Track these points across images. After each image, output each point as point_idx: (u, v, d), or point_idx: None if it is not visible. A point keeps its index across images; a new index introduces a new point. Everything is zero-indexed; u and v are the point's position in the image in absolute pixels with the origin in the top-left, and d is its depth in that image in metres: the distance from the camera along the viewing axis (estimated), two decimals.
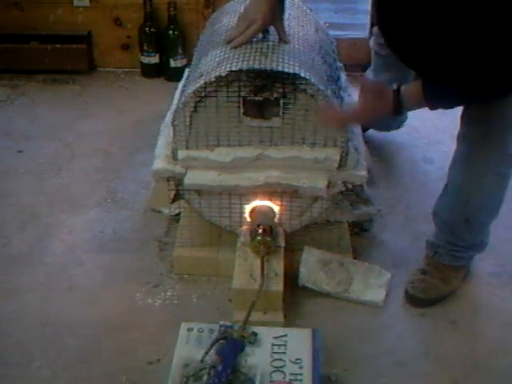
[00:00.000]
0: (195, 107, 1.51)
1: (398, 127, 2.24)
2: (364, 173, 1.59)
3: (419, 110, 1.59)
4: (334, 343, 1.50)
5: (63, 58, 2.78)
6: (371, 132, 2.27)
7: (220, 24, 1.81)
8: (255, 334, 1.36)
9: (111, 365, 1.47)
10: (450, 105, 1.38)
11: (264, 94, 1.49)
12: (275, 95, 1.49)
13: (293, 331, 1.41)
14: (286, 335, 1.38)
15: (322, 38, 1.82)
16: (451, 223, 1.62)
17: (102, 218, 1.95)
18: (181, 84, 1.98)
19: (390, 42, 1.26)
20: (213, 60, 1.57)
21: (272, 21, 1.57)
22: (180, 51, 2.74)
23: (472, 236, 1.63)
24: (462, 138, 1.53)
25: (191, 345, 1.35)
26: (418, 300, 1.64)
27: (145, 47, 2.77)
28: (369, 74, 2.17)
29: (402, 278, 1.70)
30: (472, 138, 1.49)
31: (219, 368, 1.26)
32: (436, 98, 1.35)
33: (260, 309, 1.50)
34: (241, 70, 1.47)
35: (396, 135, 2.30)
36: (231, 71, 1.47)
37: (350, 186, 1.59)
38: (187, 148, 1.57)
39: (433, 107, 1.37)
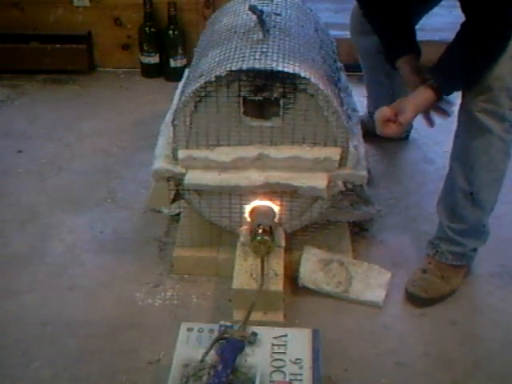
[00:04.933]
0: (195, 107, 1.51)
1: (406, 137, 2.32)
2: (364, 173, 1.59)
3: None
4: (334, 343, 1.50)
5: (63, 58, 2.78)
6: (371, 132, 2.27)
7: (220, 24, 1.81)
8: (255, 334, 1.35)
9: (111, 365, 1.47)
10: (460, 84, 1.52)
11: (264, 93, 1.49)
12: (275, 95, 1.49)
13: (293, 331, 1.41)
14: (286, 335, 1.38)
15: (322, 38, 1.82)
16: (454, 202, 1.62)
17: (102, 217, 1.95)
18: (181, 84, 1.98)
19: None
20: (213, 60, 1.57)
21: None
22: (180, 51, 2.74)
23: (474, 214, 1.62)
24: (464, 106, 1.55)
25: (191, 345, 1.35)
26: (418, 299, 1.64)
27: (145, 47, 2.77)
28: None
29: (402, 278, 1.70)
30: (473, 104, 1.51)
31: (219, 368, 1.26)
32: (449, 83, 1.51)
33: (260, 309, 1.50)
34: (241, 70, 1.47)
35: None
36: (231, 71, 1.47)
37: (350, 186, 1.59)
38: (187, 148, 1.57)
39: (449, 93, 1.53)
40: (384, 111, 1.56)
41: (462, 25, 1.47)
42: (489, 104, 1.48)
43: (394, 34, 1.71)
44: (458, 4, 1.51)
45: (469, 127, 1.54)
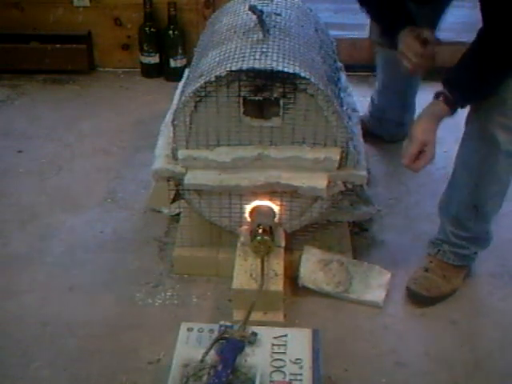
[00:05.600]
0: (195, 107, 1.51)
1: None
2: (364, 173, 1.59)
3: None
4: (334, 343, 1.50)
5: (63, 58, 2.78)
6: (371, 132, 2.27)
7: (220, 24, 1.81)
8: (255, 334, 1.35)
9: (111, 365, 1.47)
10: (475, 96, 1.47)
11: (264, 93, 1.49)
12: (275, 95, 1.49)
13: (293, 331, 1.41)
14: (286, 335, 1.38)
15: (322, 38, 1.82)
16: (458, 212, 1.62)
17: (102, 218, 1.95)
18: (181, 84, 1.98)
19: None
20: (213, 60, 1.57)
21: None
22: (180, 51, 2.74)
23: (478, 225, 1.63)
24: (475, 116, 1.51)
25: (191, 345, 1.35)
26: (419, 297, 1.64)
27: (145, 47, 2.77)
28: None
29: (402, 278, 1.70)
30: (485, 115, 1.48)
31: (219, 368, 1.26)
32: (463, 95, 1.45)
33: (260, 309, 1.50)
34: (241, 70, 1.47)
35: None
36: (231, 71, 1.47)
37: (350, 186, 1.59)
38: (187, 148, 1.57)
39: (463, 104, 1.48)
40: (407, 156, 1.50)
41: (479, 33, 1.42)
42: (502, 117, 1.44)
43: (392, 13, 1.69)
44: (467, 5, 1.49)
45: (476, 139, 1.52)
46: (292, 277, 1.66)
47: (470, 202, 1.58)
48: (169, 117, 1.79)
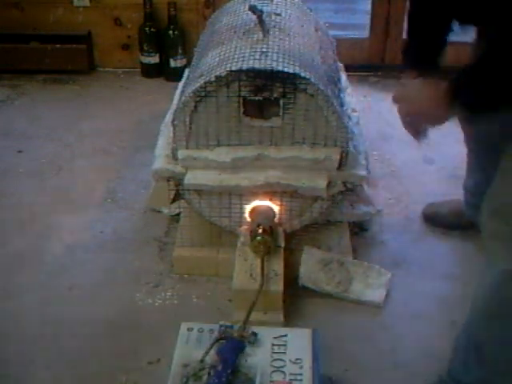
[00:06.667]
0: (195, 107, 1.51)
1: None
2: (364, 173, 1.59)
3: None
4: (334, 343, 1.50)
5: (63, 58, 2.78)
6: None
7: (220, 24, 1.81)
8: (255, 334, 1.35)
9: (111, 365, 1.47)
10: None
11: (264, 93, 1.49)
12: (275, 95, 1.49)
13: (293, 331, 1.41)
14: (286, 335, 1.37)
15: (321, 38, 1.83)
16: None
17: (102, 218, 1.95)
18: (181, 84, 1.98)
19: None
20: (213, 60, 1.57)
21: None
22: (180, 51, 2.75)
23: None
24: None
25: (191, 345, 1.35)
26: None
27: (145, 47, 2.77)
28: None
29: (402, 278, 1.70)
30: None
31: (219, 368, 1.26)
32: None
33: (260, 309, 1.50)
34: (241, 70, 1.47)
35: (396, 135, 2.29)
36: (231, 71, 1.47)
37: (349, 186, 1.59)
38: (187, 148, 1.57)
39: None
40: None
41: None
42: None
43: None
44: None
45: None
46: (292, 277, 1.66)
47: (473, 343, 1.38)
48: (169, 117, 1.79)
